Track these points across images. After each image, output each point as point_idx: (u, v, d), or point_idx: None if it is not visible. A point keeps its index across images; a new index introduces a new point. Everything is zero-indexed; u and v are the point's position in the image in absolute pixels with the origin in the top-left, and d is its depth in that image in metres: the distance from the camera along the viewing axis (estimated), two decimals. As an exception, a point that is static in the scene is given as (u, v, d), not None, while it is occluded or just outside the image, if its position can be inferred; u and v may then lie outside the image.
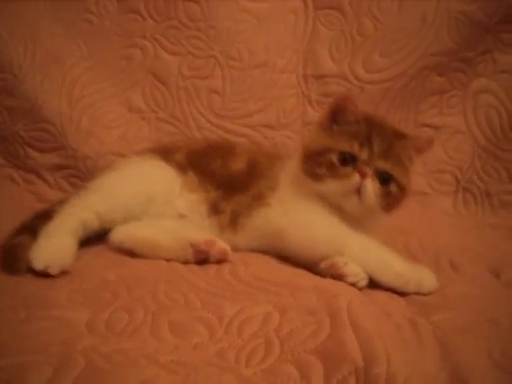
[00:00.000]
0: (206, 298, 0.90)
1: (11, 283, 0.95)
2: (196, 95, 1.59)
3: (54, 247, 1.01)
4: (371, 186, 1.05)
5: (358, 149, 1.07)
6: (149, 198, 1.19)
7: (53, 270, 0.97)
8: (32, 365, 0.69)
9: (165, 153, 1.27)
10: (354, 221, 1.08)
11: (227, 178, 1.21)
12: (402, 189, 1.10)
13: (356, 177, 1.05)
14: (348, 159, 1.07)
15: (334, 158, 1.08)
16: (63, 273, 0.98)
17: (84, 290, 0.93)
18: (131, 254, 1.12)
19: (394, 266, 1.01)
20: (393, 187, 1.08)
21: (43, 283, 0.95)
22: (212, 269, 1.05)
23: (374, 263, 1.01)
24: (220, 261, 1.08)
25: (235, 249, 1.13)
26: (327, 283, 0.97)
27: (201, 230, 1.16)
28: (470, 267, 1.13)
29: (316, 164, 1.10)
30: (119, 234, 1.14)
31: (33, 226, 1.08)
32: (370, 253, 1.03)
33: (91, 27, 1.58)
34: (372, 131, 1.08)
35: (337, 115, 1.11)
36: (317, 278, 1.01)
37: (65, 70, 1.55)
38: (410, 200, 1.56)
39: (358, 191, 1.06)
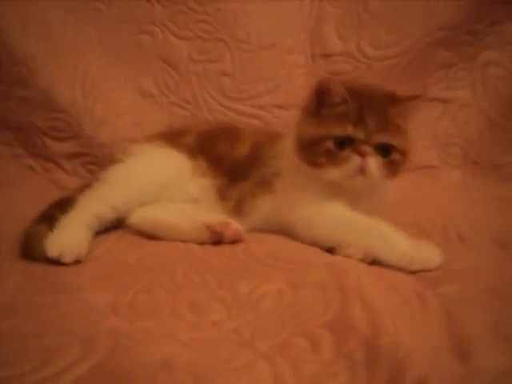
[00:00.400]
0: (222, 278, 0.94)
1: (39, 270, 0.99)
2: (206, 78, 1.62)
3: (68, 237, 1.04)
4: (374, 163, 1.05)
5: (352, 130, 1.05)
6: (162, 187, 1.22)
7: (66, 259, 1.00)
8: (61, 345, 0.73)
9: (174, 138, 1.30)
10: (360, 197, 1.10)
11: (232, 164, 1.24)
12: (406, 154, 1.10)
13: (356, 158, 1.05)
14: (345, 142, 1.06)
15: (331, 144, 1.06)
16: (77, 262, 1.02)
17: (106, 274, 0.97)
18: (149, 236, 1.16)
19: (398, 247, 1.01)
20: (395, 155, 1.08)
21: (68, 269, 0.99)
22: (227, 248, 1.09)
23: (378, 247, 1.02)
24: (234, 241, 1.12)
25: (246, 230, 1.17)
26: (338, 260, 1.00)
27: (215, 213, 1.19)
28: (477, 240, 1.15)
29: (313, 153, 1.09)
30: (137, 218, 1.18)
31: (51, 215, 1.12)
32: (374, 237, 1.03)
33: (100, 15, 1.60)
34: (363, 107, 1.06)
35: (322, 99, 1.08)
36: (327, 255, 1.05)
37: (77, 59, 1.58)
38: (419, 173, 1.62)
39: (362, 171, 1.05)
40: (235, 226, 1.14)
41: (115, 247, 1.12)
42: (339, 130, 1.06)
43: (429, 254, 1.01)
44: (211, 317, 0.82)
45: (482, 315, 0.81)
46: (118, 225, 1.20)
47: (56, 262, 1.00)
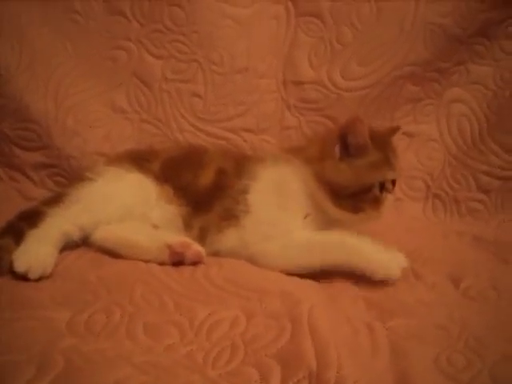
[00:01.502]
0: (179, 301, 0.96)
1: (-2, 284, 1.00)
2: (178, 98, 1.63)
3: (35, 253, 1.05)
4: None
5: (390, 173, 1.18)
6: (128, 211, 1.23)
7: (32, 275, 1.02)
8: (15, 364, 0.75)
9: (141, 161, 1.31)
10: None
11: (195, 194, 1.25)
12: None
13: (390, 197, 1.20)
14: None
15: (377, 191, 1.16)
16: (43, 278, 1.03)
17: (66, 291, 0.99)
18: (112, 254, 1.17)
19: (370, 256, 1.09)
20: None
21: (28, 285, 1.00)
22: (187, 271, 1.11)
23: (351, 260, 1.09)
24: (195, 263, 1.14)
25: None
26: (293, 287, 1.02)
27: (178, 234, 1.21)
28: (432, 275, 1.17)
29: (360, 200, 1.16)
30: (100, 235, 1.19)
31: (17, 228, 1.13)
32: (345, 251, 1.10)
33: (77, 27, 1.60)
34: (386, 150, 1.18)
35: (348, 139, 1.14)
36: (285, 282, 1.07)
37: (51, 69, 1.58)
38: None
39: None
40: (196, 247, 1.15)
41: (77, 264, 1.13)
42: (381, 176, 1.17)
43: (394, 262, 1.10)
44: (166, 341, 0.84)
45: (426, 351, 0.84)
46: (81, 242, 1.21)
47: (21, 277, 1.02)
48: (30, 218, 1.16)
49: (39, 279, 1.03)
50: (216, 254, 1.22)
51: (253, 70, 1.64)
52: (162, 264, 1.14)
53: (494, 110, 1.68)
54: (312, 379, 0.73)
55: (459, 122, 1.71)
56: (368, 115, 1.64)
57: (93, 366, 0.75)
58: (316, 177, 1.17)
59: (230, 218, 1.21)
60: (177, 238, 1.17)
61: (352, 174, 1.15)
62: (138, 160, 1.32)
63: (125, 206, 1.23)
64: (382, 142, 1.19)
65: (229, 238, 1.21)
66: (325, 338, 0.81)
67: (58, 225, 1.16)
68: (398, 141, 1.63)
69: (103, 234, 1.19)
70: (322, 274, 1.13)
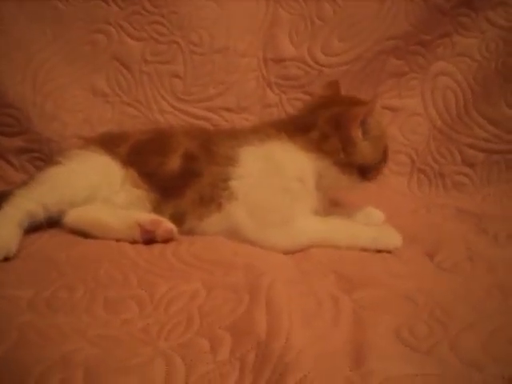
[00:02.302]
0: (144, 277, 0.96)
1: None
2: (158, 80, 1.63)
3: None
4: None
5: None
6: (92, 193, 1.23)
7: None
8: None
9: (110, 144, 1.30)
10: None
11: (163, 180, 1.22)
12: None
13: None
14: None
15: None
16: (7, 259, 1.04)
17: (32, 271, 0.99)
18: (84, 235, 1.18)
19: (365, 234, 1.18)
20: None
21: (-4, 265, 1.01)
22: (157, 248, 1.11)
23: (342, 242, 1.16)
24: (166, 240, 1.14)
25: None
26: (261, 262, 1.02)
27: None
28: (408, 249, 1.17)
29: (377, 171, 1.26)
30: (71, 217, 1.20)
31: None
32: (337, 234, 1.18)
33: (56, 13, 1.60)
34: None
35: (368, 119, 1.20)
36: (256, 257, 1.06)
37: (29, 55, 1.57)
38: None
39: None
40: (167, 224, 1.15)
41: (48, 244, 1.14)
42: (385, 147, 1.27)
43: (390, 237, 1.19)
44: (124, 315, 0.84)
45: (387, 321, 0.82)
46: (53, 224, 1.21)
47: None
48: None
49: (5, 260, 1.04)
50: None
51: (233, 49, 1.64)
52: (133, 243, 1.14)
53: (479, 82, 1.66)
54: (260, 349, 0.72)
55: (444, 95, 1.69)
56: (350, 91, 1.61)
57: (45, 339, 0.76)
58: (335, 164, 1.20)
59: (209, 204, 1.19)
60: (147, 215, 1.17)
61: (374, 149, 1.22)
62: (107, 143, 1.31)
63: (89, 187, 1.23)
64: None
65: (212, 224, 1.20)
66: (279, 309, 0.80)
67: (23, 204, 1.16)
68: (381, 116, 1.63)
69: (74, 216, 1.20)
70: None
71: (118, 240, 1.15)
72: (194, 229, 1.21)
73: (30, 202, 1.17)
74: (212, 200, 1.19)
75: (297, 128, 1.22)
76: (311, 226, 1.18)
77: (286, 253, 1.13)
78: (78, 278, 0.95)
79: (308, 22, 1.64)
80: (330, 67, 1.63)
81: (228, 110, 1.64)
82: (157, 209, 1.22)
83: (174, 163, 1.23)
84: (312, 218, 1.19)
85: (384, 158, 1.27)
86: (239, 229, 1.16)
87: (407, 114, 1.70)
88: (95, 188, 1.23)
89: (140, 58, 1.63)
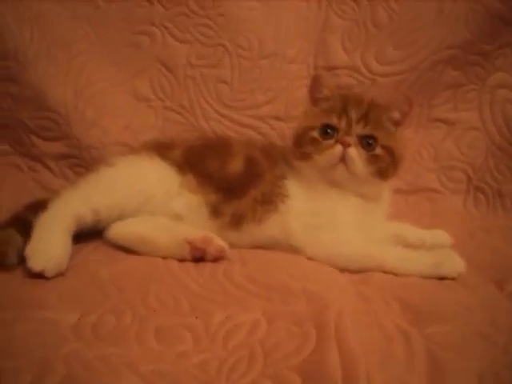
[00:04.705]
0: (196, 302, 0.89)
1: (1, 280, 0.94)
2: (204, 84, 1.57)
3: (49, 248, 0.99)
4: (355, 153, 1.13)
5: (335, 119, 1.16)
6: (146, 198, 1.17)
7: (49, 273, 0.95)
8: (11, 370, 0.69)
9: (162, 149, 1.25)
10: (359, 195, 1.19)
11: (225, 181, 1.20)
12: (390, 151, 1.17)
13: (338, 147, 1.13)
14: (329, 133, 1.16)
15: (316, 133, 1.17)
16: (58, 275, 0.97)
17: (75, 289, 0.93)
18: (128, 250, 1.11)
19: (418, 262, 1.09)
20: (378, 150, 1.16)
21: (34, 281, 0.94)
22: (207, 268, 1.04)
23: (406, 267, 1.09)
24: (217, 258, 1.08)
25: (233, 246, 1.13)
26: (321, 287, 0.95)
27: (198, 228, 1.14)
28: (473, 276, 1.09)
29: (302, 144, 1.19)
30: (116, 231, 1.13)
31: (24, 218, 1.07)
32: (402, 261, 1.10)
33: (98, 12, 1.54)
34: (347, 103, 1.18)
35: (314, 95, 1.21)
36: (313, 280, 0.99)
37: (71, 56, 1.51)
38: (418, 196, 1.57)
39: (344, 160, 1.13)
40: (219, 241, 1.09)
41: (89, 259, 1.08)
42: (323, 119, 1.17)
43: (451, 263, 1.10)
44: (178, 347, 0.78)
45: (468, 366, 0.75)
46: (96, 235, 1.15)
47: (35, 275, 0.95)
48: (37, 208, 1.08)
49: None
50: (252, 244, 1.18)
51: (281, 55, 1.56)
52: (181, 260, 1.07)
53: (541, 96, 1.57)
54: (338, 398, 0.65)
55: (503, 108, 1.60)
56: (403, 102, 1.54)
57: (94, 375, 0.69)
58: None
59: (268, 202, 1.18)
60: (197, 232, 1.10)
61: (304, 119, 1.24)
62: (159, 148, 1.26)
63: (143, 191, 1.17)
64: (352, 98, 1.22)
65: (269, 226, 1.18)
66: (353, 349, 0.73)
67: (70, 206, 1.09)
68: (435, 129, 1.55)
69: (118, 230, 1.13)
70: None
71: (163, 257, 1.08)
72: (250, 232, 1.18)
73: (79, 203, 1.10)
74: (271, 199, 1.19)
75: None
76: (357, 239, 1.14)
77: (329, 260, 1.10)
78: (124, 302, 0.89)
79: (362, 28, 1.56)
80: (384, 76, 1.55)
81: (276, 118, 1.57)
82: (217, 211, 1.19)
83: (237, 165, 1.22)
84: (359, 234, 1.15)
85: None
86: (289, 229, 1.16)
87: (463, 127, 1.61)
88: (150, 193, 1.18)
89: (185, 62, 1.56)
